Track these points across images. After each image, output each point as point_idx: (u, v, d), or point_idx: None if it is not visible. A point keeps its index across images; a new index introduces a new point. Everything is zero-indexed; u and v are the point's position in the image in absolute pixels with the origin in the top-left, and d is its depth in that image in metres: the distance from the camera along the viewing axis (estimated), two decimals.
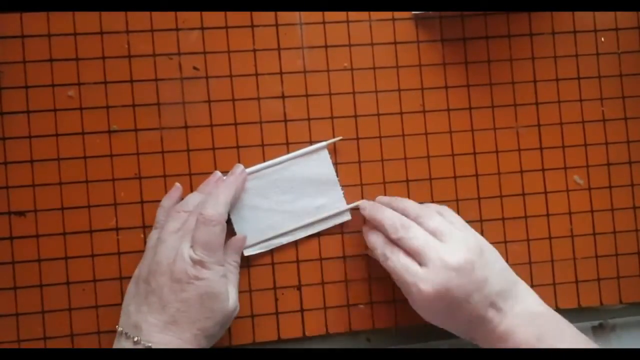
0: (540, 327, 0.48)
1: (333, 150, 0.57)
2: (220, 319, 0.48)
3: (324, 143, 0.56)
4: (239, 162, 0.56)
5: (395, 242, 0.50)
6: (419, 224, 0.50)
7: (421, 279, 0.47)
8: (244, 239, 0.54)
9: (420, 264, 0.48)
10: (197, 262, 0.46)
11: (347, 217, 0.56)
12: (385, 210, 0.52)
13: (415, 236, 0.49)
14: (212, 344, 0.49)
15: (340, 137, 0.56)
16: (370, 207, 0.53)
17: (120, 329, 0.47)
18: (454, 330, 0.50)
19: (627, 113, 0.61)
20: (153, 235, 0.51)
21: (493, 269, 0.49)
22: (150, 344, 0.45)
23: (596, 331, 0.61)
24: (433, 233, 0.49)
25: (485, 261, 0.49)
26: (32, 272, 0.54)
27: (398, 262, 0.49)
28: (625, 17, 0.61)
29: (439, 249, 0.48)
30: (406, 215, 0.51)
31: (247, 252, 0.54)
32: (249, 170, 0.55)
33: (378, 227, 0.52)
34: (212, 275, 0.47)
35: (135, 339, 0.45)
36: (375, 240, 0.52)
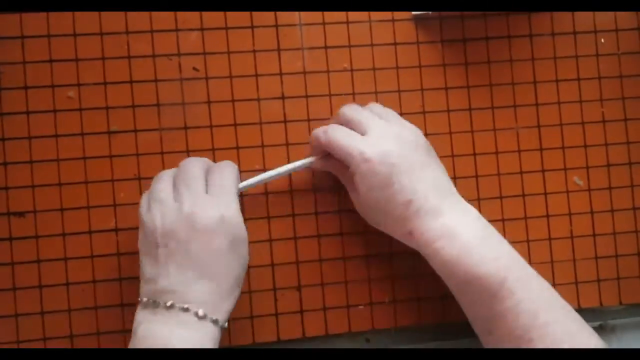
0: (482, 228, 0.48)
1: None
2: (246, 263, 0.47)
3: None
4: (239, 162, 0.56)
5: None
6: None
7: (363, 141, 0.47)
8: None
9: (362, 134, 0.48)
10: (215, 204, 0.45)
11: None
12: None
13: (359, 112, 0.51)
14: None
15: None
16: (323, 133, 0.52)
17: (145, 299, 0.44)
18: (388, 220, 0.48)
19: (627, 114, 0.61)
20: (145, 202, 0.48)
21: (437, 163, 0.51)
22: (186, 305, 0.42)
23: (597, 332, 0.61)
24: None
25: (428, 151, 0.50)
26: (31, 273, 0.54)
27: (339, 131, 0.49)
28: (625, 18, 0.61)
29: (381, 123, 0.49)
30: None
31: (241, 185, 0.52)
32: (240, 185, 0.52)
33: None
34: (235, 217, 0.46)
35: (169, 303, 0.42)
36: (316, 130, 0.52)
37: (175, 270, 0.43)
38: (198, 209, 0.44)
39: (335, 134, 0.49)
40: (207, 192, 0.47)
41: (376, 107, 0.53)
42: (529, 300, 0.44)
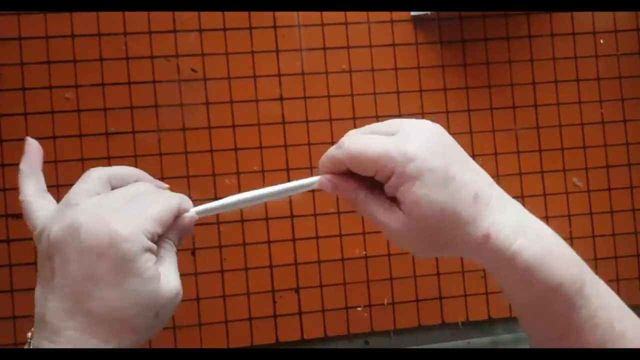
0: (545, 225, 0.37)
1: None
2: (145, 305, 0.35)
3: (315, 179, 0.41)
4: (237, 164, 0.56)
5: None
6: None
7: (396, 141, 0.36)
8: (192, 219, 0.39)
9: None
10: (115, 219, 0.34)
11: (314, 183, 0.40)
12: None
13: (372, 126, 0.39)
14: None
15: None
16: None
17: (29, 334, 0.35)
18: (452, 235, 0.37)
19: (626, 115, 0.61)
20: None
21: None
22: (52, 344, 0.33)
23: None
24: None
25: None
26: (29, 274, 0.54)
27: (361, 137, 0.38)
28: (624, 19, 0.61)
29: (405, 120, 0.38)
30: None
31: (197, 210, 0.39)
32: (241, 197, 0.40)
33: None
34: (131, 241, 0.34)
35: (29, 334, 0.34)
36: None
37: (52, 294, 0.34)
38: (91, 220, 0.33)
39: (359, 141, 0.37)
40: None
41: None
42: (604, 308, 0.38)
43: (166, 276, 0.35)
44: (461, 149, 0.37)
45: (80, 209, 0.34)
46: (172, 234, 0.38)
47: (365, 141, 0.37)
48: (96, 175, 0.37)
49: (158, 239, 0.36)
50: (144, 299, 0.34)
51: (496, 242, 0.36)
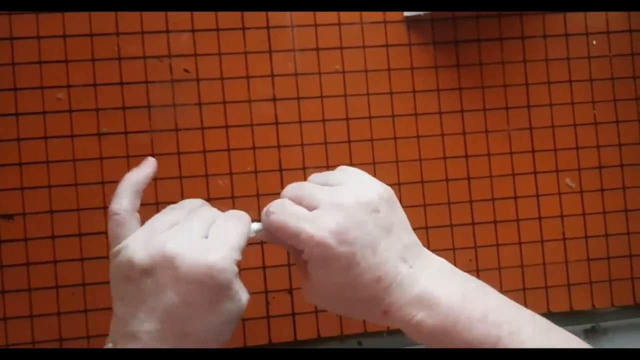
0: (460, 285, 0.40)
1: (325, 154, 0.57)
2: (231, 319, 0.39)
3: None
4: (230, 164, 0.56)
5: None
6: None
7: (311, 220, 0.38)
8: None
9: (310, 209, 0.39)
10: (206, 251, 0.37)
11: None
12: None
13: (302, 186, 0.42)
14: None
15: None
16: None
17: (110, 344, 0.37)
18: (354, 306, 0.40)
19: (618, 116, 0.61)
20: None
21: (400, 218, 0.41)
22: None
23: (588, 334, 0.61)
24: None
25: (390, 207, 0.41)
26: (20, 276, 0.53)
27: (283, 211, 0.39)
28: (617, 20, 0.61)
29: (332, 191, 0.40)
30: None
31: None
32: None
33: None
34: (226, 270, 0.37)
35: (109, 345, 0.37)
36: None
37: (145, 315, 0.36)
38: (185, 250, 0.36)
39: (280, 216, 0.39)
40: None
41: (338, 171, 0.45)
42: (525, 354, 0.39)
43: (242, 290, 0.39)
44: (384, 222, 0.39)
45: (168, 237, 0.37)
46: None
47: (286, 217, 0.39)
48: (188, 206, 0.41)
49: None
50: (234, 315, 0.38)
51: (396, 317, 0.39)
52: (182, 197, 0.55)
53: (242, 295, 0.38)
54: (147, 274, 0.36)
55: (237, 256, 0.38)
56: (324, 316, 0.56)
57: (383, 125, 0.58)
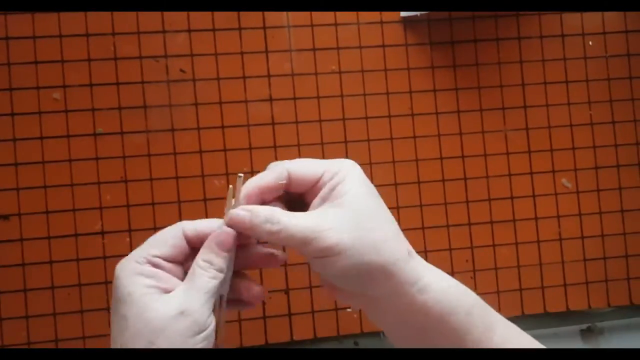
0: (462, 296, 0.37)
1: (322, 154, 0.57)
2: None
3: None
4: (227, 165, 0.56)
5: None
6: None
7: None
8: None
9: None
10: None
11: None
12: None
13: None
14: None
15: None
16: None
17: None
18: (387, 242, 0.36)
19: (614, 117, 0.61)
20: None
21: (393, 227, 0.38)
22: None
23: (585, 334, 0.61)
24: None
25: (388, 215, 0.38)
26: (15, 276, 0.53)
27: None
28: (613, 21, 0.61)
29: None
30: None
31: None
32: None
33: None
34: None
35: None
36: None
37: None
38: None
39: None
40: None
41: None
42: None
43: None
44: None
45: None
46: (204, 252, 0.36)
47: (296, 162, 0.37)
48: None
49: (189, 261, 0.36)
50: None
51: (414, 261, 0.36)
52: (179, 198, 0.55)
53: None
54: None
55: (143, 253, 0.34)
56: (320, 316, 0.56)
57: (379, 125, 0.58)
